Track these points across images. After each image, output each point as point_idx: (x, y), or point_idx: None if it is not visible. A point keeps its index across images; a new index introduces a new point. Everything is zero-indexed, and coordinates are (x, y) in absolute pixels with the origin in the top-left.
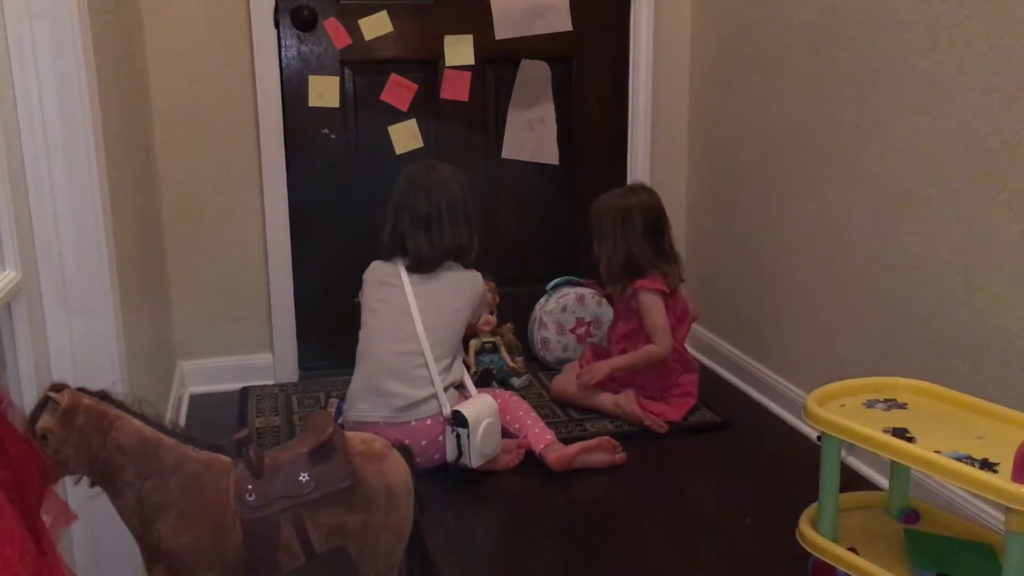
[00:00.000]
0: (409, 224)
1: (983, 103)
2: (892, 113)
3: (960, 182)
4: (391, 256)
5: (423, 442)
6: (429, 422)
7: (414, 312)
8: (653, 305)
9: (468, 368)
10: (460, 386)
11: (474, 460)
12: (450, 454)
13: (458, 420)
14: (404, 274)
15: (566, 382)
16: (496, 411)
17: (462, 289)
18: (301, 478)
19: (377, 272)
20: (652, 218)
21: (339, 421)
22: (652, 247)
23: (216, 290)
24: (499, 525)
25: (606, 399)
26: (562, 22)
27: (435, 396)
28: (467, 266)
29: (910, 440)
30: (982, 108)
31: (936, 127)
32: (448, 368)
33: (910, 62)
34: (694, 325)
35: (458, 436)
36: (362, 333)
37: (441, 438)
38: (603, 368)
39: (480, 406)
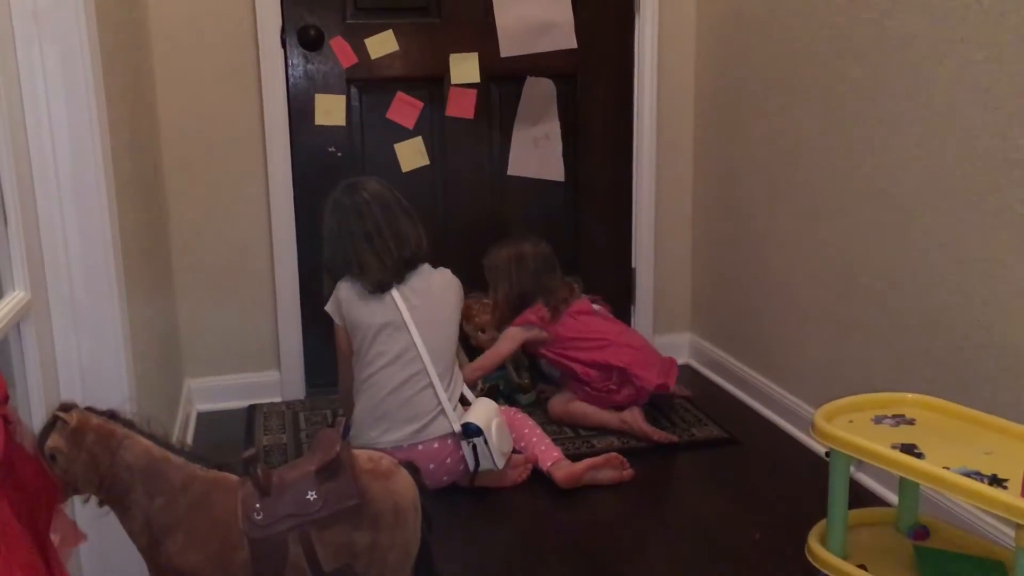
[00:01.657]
0: (354, 247)
1: (988, 119)
2: (897, 129)
3: (965, 197)
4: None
5: (431, 465)
6: (436, 445)
7: (414, 334)
8: (508, 337)
9: (475, 386)
10: (461, 399)
11: (497, 461)
12: (471, 465)
13: (470, 431)
14: (397, 295)
15: (564, 402)
16: (498, 409)
17: (447, 295)
18: (309, 496)
19: (355, 294)
20: (542, 261)
21: (347, 438)
22: (542, 285)
23: (223, 307)
24: (507, 543)
25: (610, 418)
26: (567, 40)
27: (442, 413)
28: (429, 263)
29: (919, 456)
30: (987, 124)
31: (941, 142)
32: (451, 382)
33: (913, 79)
34: (701, 340)
35: (475, 447)
36: (363, 360)
37: (449, 460)
38: (472, 373)
39: (483, 410)
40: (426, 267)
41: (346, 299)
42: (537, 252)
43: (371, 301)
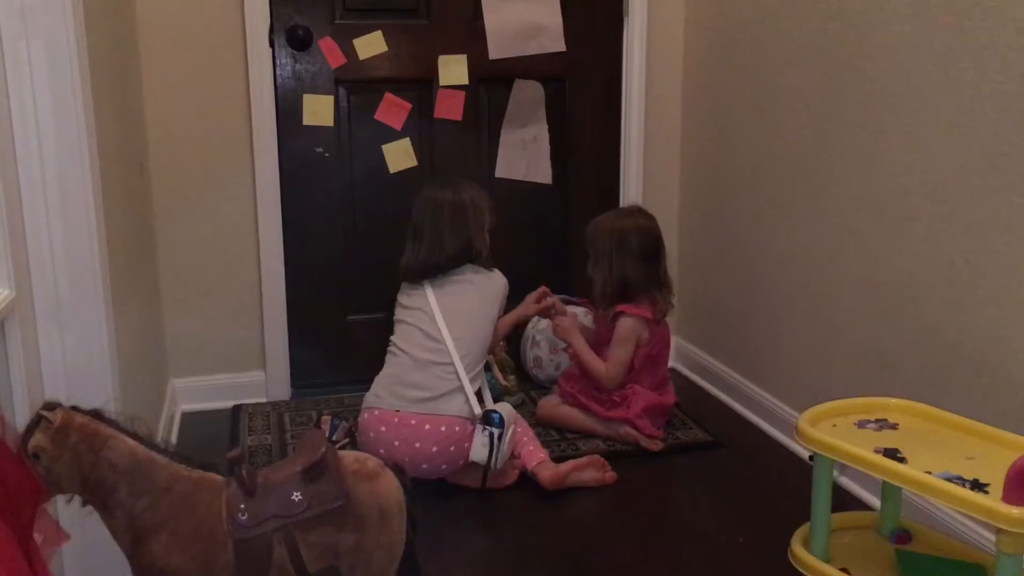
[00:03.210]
0: (413, 238)
1: (972, 123)
2: (882, 135)
3: (951, 204)
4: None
5: (434, 448)
6: (444, 429)
7: (440, 322)
8: (627, 336)
9: None
10: (478, 396)
11: (500, 461)
12: (479, 455)
13: (492, 420)
14: (428, 286)
15: (552, 405)
16: (516, 418)
17: (484, 292)
18: (294, 497)
19: (404, 287)
20: (648, 242)
21: (333, 438)
22: (646, 272)
23: (209, 307)
24: (492, 543)
25: (596, 425)
26: (555, 43)
27: (459, 391)
28: (485, 266)
29: (901, 460)
30: (971, 128)
31: (926, 148)
32: (472, 372)
33: (900, 82)
34: (686, 344)
35: (491, 436)
36: (396, 331)
37: (452, 448)
38: (574, 334)
39: (507, 410)
40: (469, 268)
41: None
42: (644, 229)
43: (412, 287)
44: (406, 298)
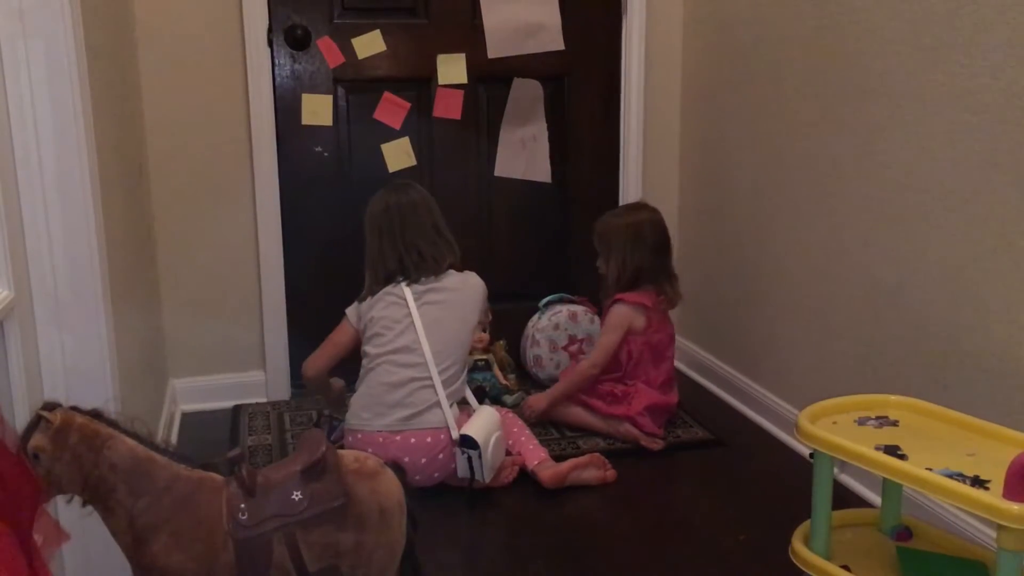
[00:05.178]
0: (379, 239)
1: (971, 122)
2: (882, 131)
3: (950, 201)
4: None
5: (423, 460)
6: (429, 440)
7: (420, 332)
8: (613, 324)
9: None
10: (462, 401)
11: (487, 476)
12: (462, 472)
13: (468, 443)
14: (408, 293)
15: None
16: (499, 421)
17: (465, 297)
18: (294, 496)
19: (384, 292)
20: (660, 233)
21: (332, 438)
22: (659, 263)
23: (208, 307)
24: (493, 542)
25: (595, 420)
26: (554, 41)
27: (437, 405)
28: (458, 268)
29: (902, 457)
30: (970, 127)
31: (925, 146)
32: (454, 384)
33: (899, 81)
34: (686, 342)
35: (469, 458)
36: (370, 347)
37: (441, 456)
38: (541, 401)
39: (485, 423)
40: (450, 272)
41: (369, 303)
42: (655, 222)
43: (387, 297)
44: (384, 307)
